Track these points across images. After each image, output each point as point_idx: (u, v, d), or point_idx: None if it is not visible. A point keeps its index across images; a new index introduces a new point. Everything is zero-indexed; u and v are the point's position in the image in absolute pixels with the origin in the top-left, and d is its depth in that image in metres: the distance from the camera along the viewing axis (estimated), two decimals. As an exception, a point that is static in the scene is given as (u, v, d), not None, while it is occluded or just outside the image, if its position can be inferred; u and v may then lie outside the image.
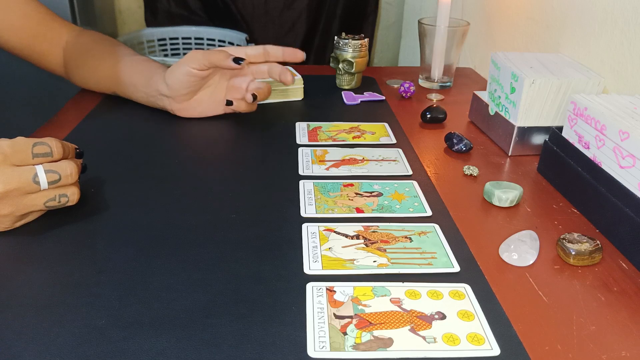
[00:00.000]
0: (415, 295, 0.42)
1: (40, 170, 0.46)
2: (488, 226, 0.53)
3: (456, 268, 0.45)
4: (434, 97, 0.88)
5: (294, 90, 0.84)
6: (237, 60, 0.67)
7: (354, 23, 1.89)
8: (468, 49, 1.16)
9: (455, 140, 0.68)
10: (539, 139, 0.67)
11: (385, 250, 0.47)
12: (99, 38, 0.79)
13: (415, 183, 0.59)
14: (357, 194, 0.57)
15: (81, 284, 0.42)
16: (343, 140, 0.70)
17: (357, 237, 0.49)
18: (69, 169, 0.48)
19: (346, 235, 0.49)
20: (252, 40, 1.79)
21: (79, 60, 0.77)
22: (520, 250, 0.47)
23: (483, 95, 0.76)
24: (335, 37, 0.86)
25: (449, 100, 0.88)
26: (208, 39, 1.85)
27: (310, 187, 0.58)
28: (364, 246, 0.48)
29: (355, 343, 0.37)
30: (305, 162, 0.63)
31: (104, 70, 0.76)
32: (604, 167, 0.53)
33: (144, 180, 0.58)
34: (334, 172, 0.61)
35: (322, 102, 0.84)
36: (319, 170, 0.62)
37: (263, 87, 0.73)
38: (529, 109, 0.65)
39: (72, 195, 0.49)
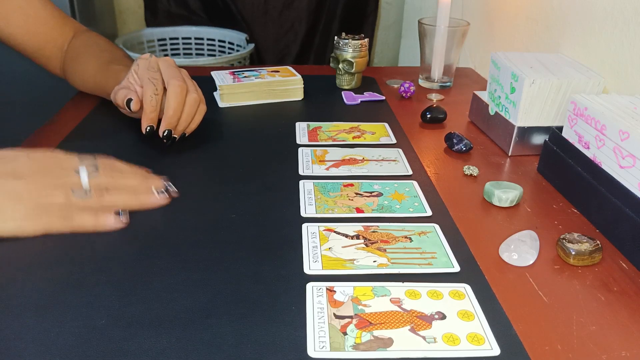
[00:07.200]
0: (415, 295, 0.42)
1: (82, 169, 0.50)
2: (488, 226, 0.53)
3: (456, 268, 0.45)
4: (434, 97, 0.88)
5: (294, 90, 0.84)
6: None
7: (354, 23, 1.89)
8: (468, 49, 1.16)
9: (455, 140, 0.68)
10: (539, 139, 0.67)
11: (385, 250, 0.47)
12: (92, 41, 0.78)
13: (415, 183, 0.59)
14: (357, 194, 0.57)
15: (81, 284, 0.42)
16: (343, 140, 0.70)
17: (357, 237, 0.49)
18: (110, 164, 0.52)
19: (346, 235, 0.49)
20: (252, 40, 1.79)
21: (74, 62, 0.77)
22: (520, 250, 0.47)
23: (483, 95, 0.76)
24: (335, 37, 0.86)
25: (449, 100, 0.88)
26: (208, 39, 1.85)
27: (310, 187, 0.58)
28: (364, 246, 0.48)
29: (355, 343, 0.37)
30: (305, 162, 0.63)
31: (91, 76, 0.76)
32: (604, 167, 0.53)
33: (144, 180, 0.58)
34: (334, 172, 0.61)
35: (322, 102, 0.84)
36: (319, 170, 0.62)
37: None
38: (529, 109, 0.65)
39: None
